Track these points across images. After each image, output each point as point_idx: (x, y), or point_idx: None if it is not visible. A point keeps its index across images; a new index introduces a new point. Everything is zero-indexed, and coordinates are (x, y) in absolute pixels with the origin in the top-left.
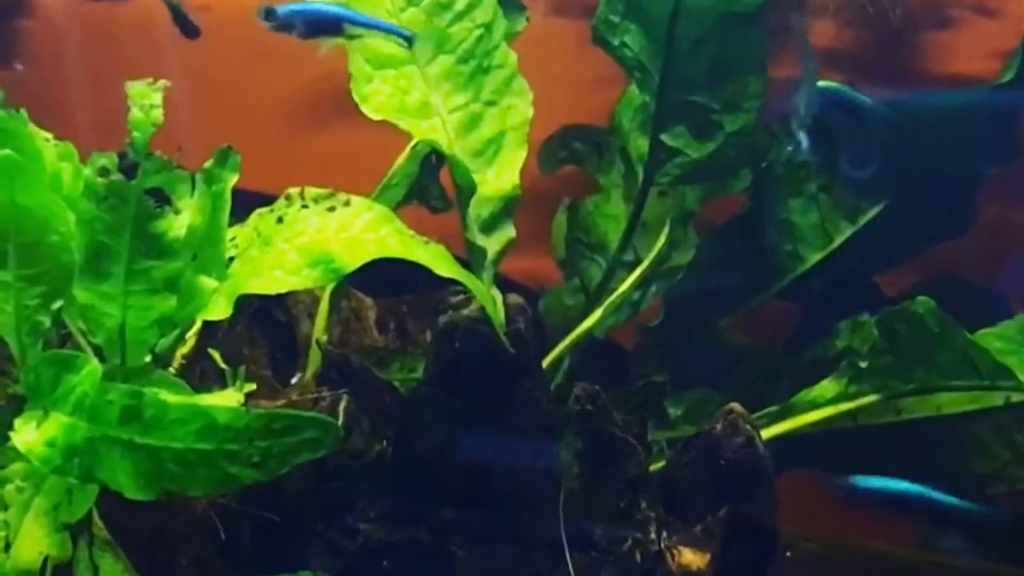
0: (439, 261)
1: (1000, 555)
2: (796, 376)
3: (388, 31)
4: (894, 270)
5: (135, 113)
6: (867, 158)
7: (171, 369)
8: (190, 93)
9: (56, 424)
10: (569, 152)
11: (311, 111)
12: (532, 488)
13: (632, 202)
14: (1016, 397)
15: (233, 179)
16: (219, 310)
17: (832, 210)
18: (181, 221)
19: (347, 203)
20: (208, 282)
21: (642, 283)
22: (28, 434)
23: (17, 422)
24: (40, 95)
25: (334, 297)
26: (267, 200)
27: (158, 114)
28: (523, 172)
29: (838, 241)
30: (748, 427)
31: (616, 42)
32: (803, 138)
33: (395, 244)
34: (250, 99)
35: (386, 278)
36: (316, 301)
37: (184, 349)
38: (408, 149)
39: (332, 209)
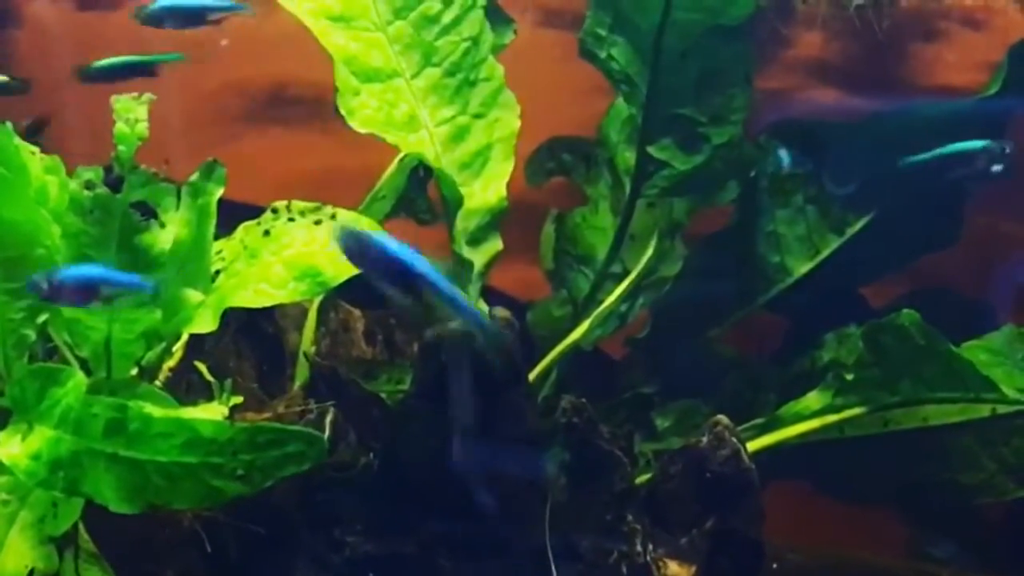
0: None
1: (987, 564)
2: (783, 388)
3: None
4: (881, 282)
5: (120, 127)
6: (853, 170)
7: (157, 382)
8: (179, 103)
9: (41, 437)
10: (557, 164)
11: (302, 111)
12: (518, 500)
13: (620, 214)
14: (1002, 409)
15: (219, 192)
16: (205, 323)
17: (819, 222)
18: (166, 234)
19: (334, 216)
20: (194, 295)
21: (630, 295)
22: (13, 447)
23: (2, 435)
24: (29, 106)
25: (322, 309)
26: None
27: (143, 128)
28: (510, 184)
29: (825, 253)
30: (734, 439)
31: (603, 55)
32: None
33: None
34: (240, 104)
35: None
36: (304, 313)
37: (171, 362)
38: (396, 162)
39: (319, 222)
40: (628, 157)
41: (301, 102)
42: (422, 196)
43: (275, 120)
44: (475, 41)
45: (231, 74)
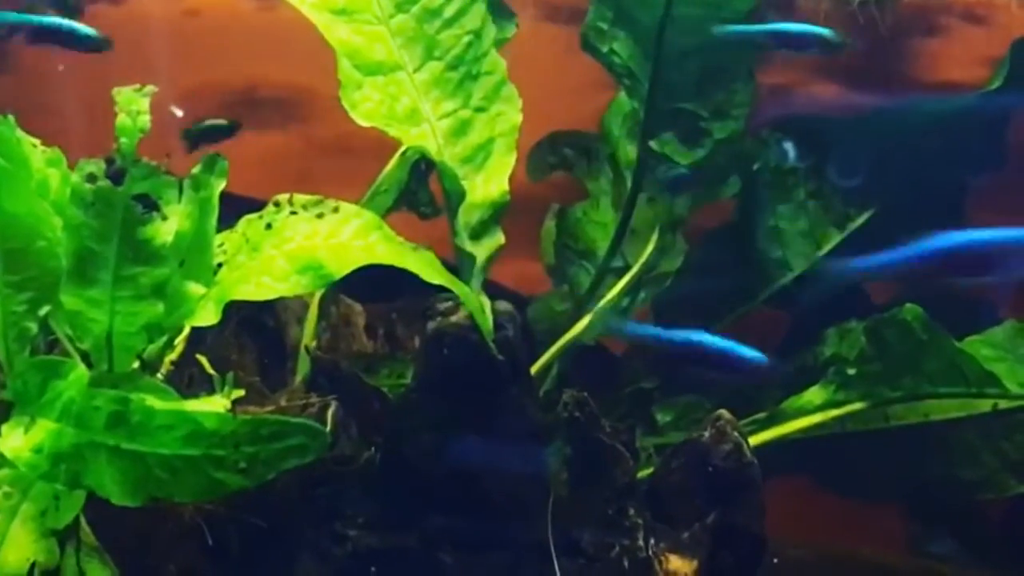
0: (428, 268)
1: (988, 561)
2: (784, 383)
3: None
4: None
5: (122, 119)
6: (855, 165)
7: (159, 375)
8: (180, 97)
9: (43, 430)
10: (558, 158)
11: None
12: (520, 495)
13: (621, 209)
14: (1004, 404)
15: (221, 185)
16: (207, 316)
17: (821, 217)
18: (168, 227)
19: (336, 209)
20: (196, 288)
21: (631, 289)
22: (15, 440)
23: (4, 428)
24: (29, 99)
25: (323, 303)
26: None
27: (145, 120)
28: (512, 178)
29: (826, 248)
30: (736, 434)
31: (605, 49)
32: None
33: (384, 250)
34: (240, 101)
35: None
36: (305, 307)
37: (172, 355)
38: (398, 155)
39: (321, 215)
40: (629, 151)
41: (274, 103)
42: (424, 190)
43: (248, 121)
44: (477, 35)
45: (206, 75)
